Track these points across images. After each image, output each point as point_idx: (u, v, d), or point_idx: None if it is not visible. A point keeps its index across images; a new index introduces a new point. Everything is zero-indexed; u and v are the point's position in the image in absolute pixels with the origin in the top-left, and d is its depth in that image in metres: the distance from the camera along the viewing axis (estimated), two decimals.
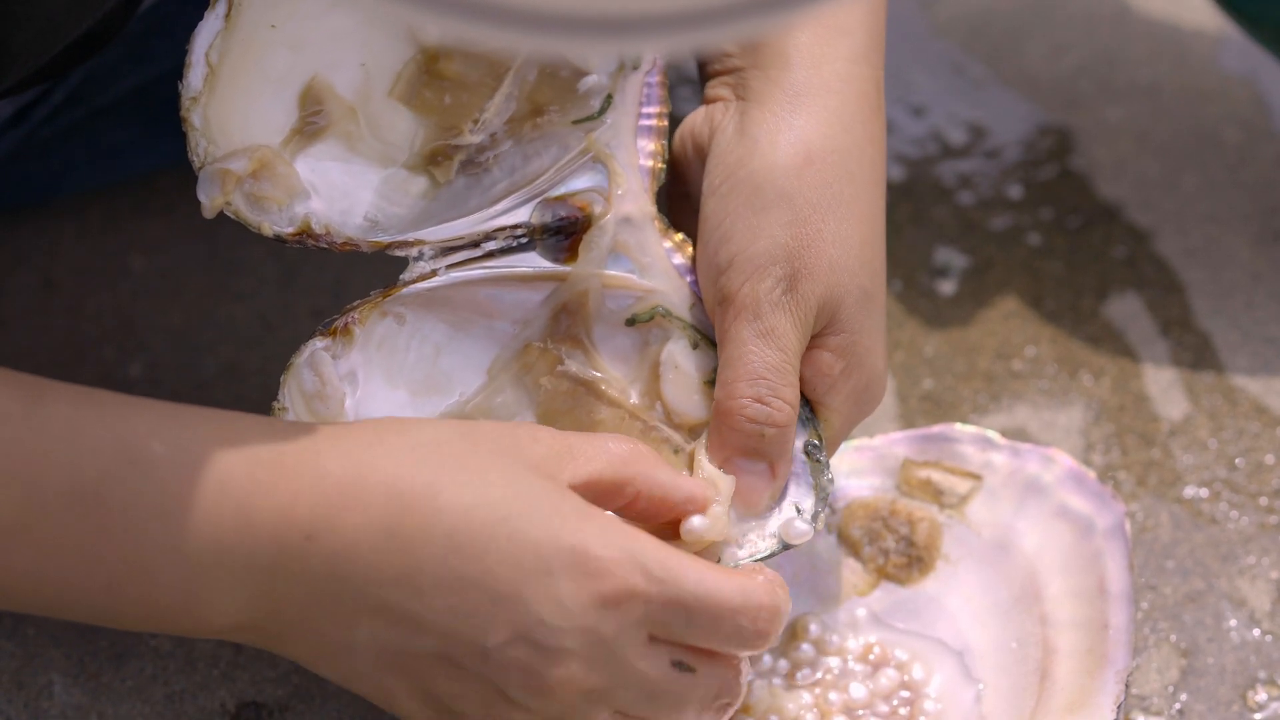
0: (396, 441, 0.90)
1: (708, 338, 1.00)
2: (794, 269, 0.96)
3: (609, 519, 0.90)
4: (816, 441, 0.99)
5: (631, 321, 1.00)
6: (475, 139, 1.00)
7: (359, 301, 0.99)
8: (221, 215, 0.97)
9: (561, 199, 1.00)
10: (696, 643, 0.91)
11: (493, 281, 1.00)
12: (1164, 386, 1.19)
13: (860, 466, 1.08)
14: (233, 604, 0.88)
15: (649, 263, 1.00)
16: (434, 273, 0.99)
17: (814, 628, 1.04)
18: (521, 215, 1.00)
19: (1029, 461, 1.07)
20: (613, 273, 1.00)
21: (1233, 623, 1.08)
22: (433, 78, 1.00)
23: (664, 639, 0.90)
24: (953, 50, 1.38)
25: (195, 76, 0.95)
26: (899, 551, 1.06)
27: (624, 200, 1.00)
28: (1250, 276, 1.24)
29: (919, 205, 1.28)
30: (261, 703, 1.04)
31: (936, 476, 1.08)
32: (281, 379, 0.97)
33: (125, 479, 0.86)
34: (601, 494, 0.93)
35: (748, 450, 0.97)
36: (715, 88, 1.01)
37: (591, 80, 1.00)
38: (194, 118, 0.95)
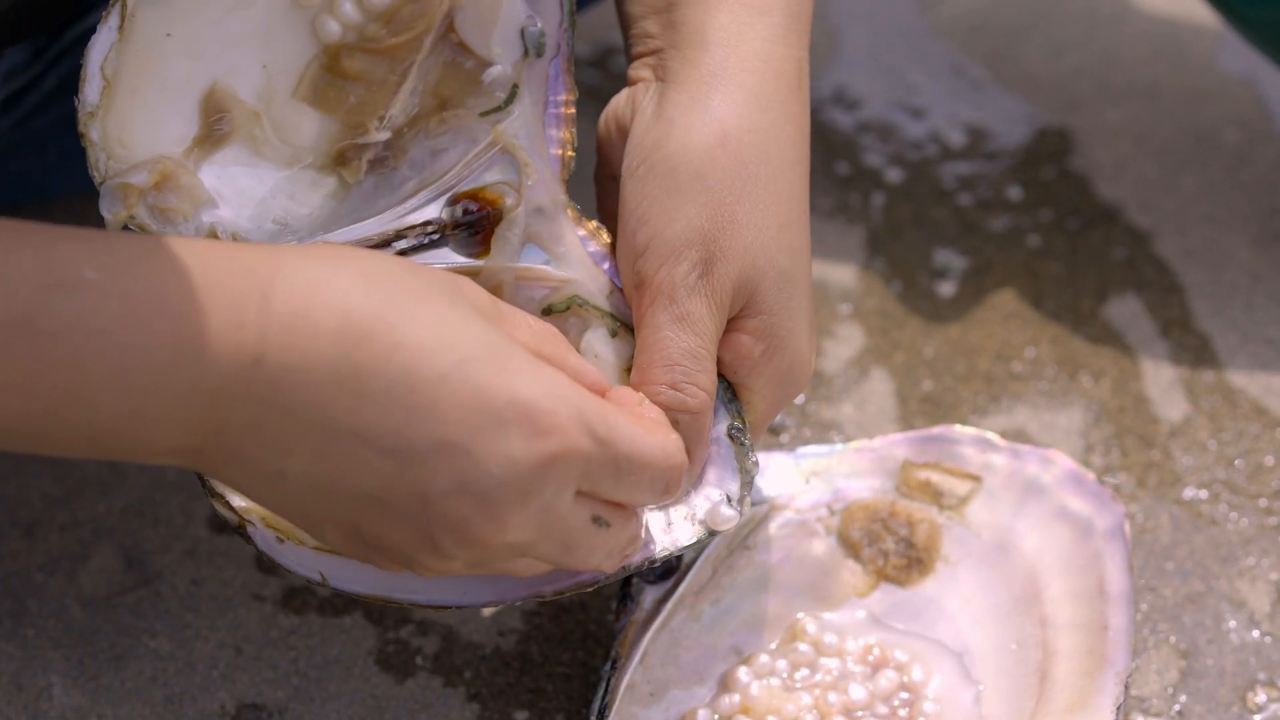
0: (349, 266, 0.88)
1: (626, 325, 1.00)
2: (709, 252, 0.96)
3: (556, 373, 0.89)
4: (739, 425, 0.98)
5: (548, 311, 1.00)
6: (382, 136, 0.99)
7: None
8: None
9: (471, 193, 1.00)
10: (616, 498, 0.91)
11: None
12: (1164, 388, 1.19)
13: (860, 468, 1.08)
14: (175, 427, 0.85)
15: (563, 252, 1.00)
16: None
17: (813, 629, 1.04)
18: (432, 212, 1.00)
19: (1028, 463, 1.07)
20: (526, 265, 1.00)
21: (1232, 624, 1.08)
22: (336, 76, 0.99)
23: (588, 494, 0.91)
24: (952, 52, 1.39)
25: (91, 91, 0.94)
26: (898, 553, 1.06)
27: (535, 191, 1.00)
28: (1250, 277, 1.24)
29: (919, 207, 1.28)
30: (261, 704, 1.04)
31: (936, 478, 1.08)
32: None
33: (56, 307, 0.83)
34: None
35: None
36: (638, 69, 1.01)
37: (495, 71, 1.00)
38: (92, 133, 0.94)
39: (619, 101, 1.01)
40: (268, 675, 1.05)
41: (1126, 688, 1.00)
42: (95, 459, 0.88)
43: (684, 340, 0.96)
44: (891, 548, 1.06)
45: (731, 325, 0.98)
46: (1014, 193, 1.29)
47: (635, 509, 0.93)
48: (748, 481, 0.97)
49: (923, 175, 1.30)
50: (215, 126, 0.97)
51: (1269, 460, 1.15)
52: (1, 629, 1.06)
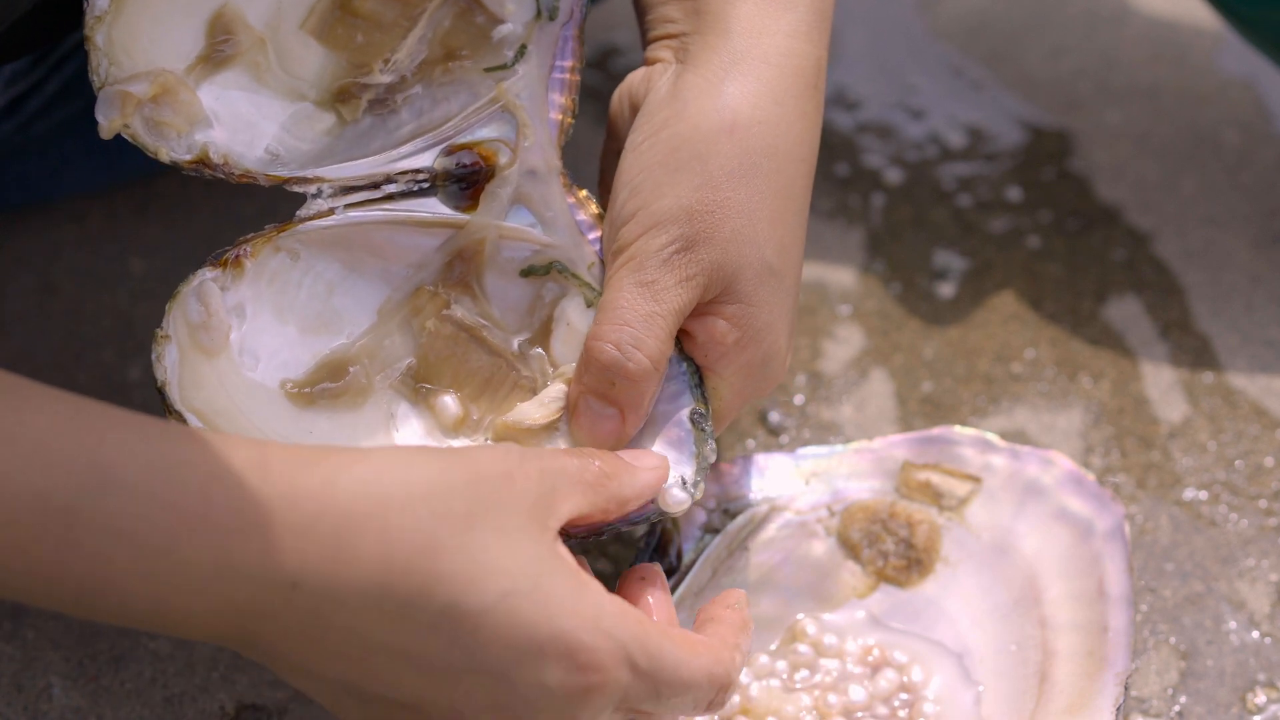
0: (394, 489, 0.87)
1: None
2: (693, 230, 0.96)
3: (602, 598, 0.89)
4: (702, 410, 0.98)
5: (527, 273, 1.00)
6: (385, 79, 0.99)
7: (252, 235, 0.97)
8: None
9: (467, 146, 1.00)
10: (656, 714, 0.91)
11: (391, 225, 0.99)
12: (1163, 389, 1.19)
13: (860, 469, 1.08)
14: (208, 629, 0.86)
15: (551, 217, 1.00)
16: (331, 211, 0.98)
17: (813, 630, 1.04)
18: (425, 160, 1.00)
19: (1028, 464, 1.07)
20: (512, 224, 1.00)
21: (1232, 625, 1.08)
22: (346, 14, 0.99)
23: (624, 710, 0.90)
24: (952, 53, 1.39)
25: (100, 1, 0.94)
26: (898, 554, 1.06)
27: (530, 152, 1.00)
28: (1250, 279, 1.24)
29: (918, 208, 1.28)
30: (260, 705, 1.04)
31: (936, 479, 1.08)
32: (167, 306, 0.95)
33: (97, 503, 0.83)
34: (578, 520, 0.92)
35: (599, 393, 0.97)
36: (657, 50, 1.01)
37: (506, 29, 1.00)
38: (97, 37, 0.94)
39: (634, 79, 1.01)
40: (267, 676, 1.05)
41: (1126, 689, 1.00)
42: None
43: (640, 304, 0.96)
44: (891, 549, 1.06)
45: (707, 309, 0.98)
46: (1014, 194, 1.29)
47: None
48: (703, 467, 0.97)
49: (922, 176, 1.30)
50: (220, 48, 0.97)
51: (1269, 461, 1.15)
52: (1, 630, 1.06)
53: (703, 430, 0.97)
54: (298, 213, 0.98)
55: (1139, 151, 1.32)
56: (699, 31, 0.99)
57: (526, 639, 0.86)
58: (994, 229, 1.27)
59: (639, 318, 0.96)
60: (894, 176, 1.30)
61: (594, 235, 1.00)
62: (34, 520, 0.82)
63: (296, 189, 0.98)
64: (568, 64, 1.01)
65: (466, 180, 1.00)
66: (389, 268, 1.00)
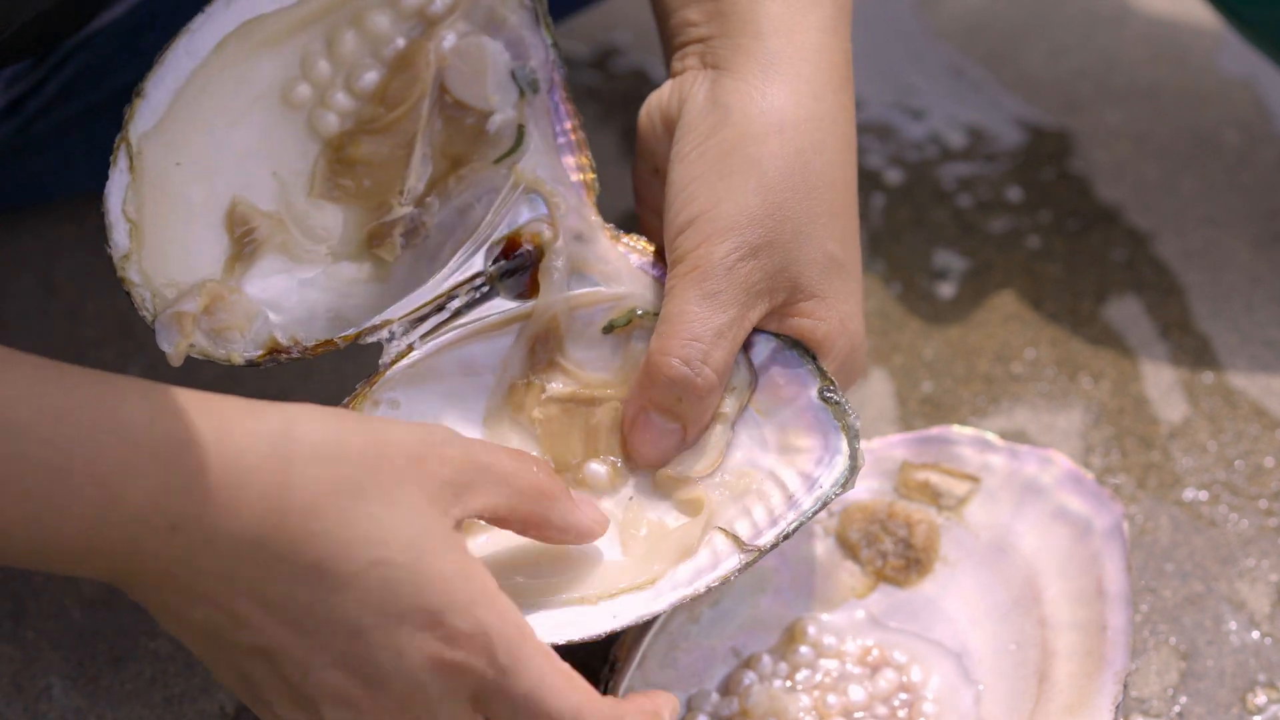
0: (290, 447, 0.87)
1: None
2: (756, 236, 0.95)
3: (482, 586, 0.88)
4: (830, 384, 0.97)
5: (609, 329, 1.00)
6: (406, 209, 1.00)
7: (347, 399, 0.98)
8: None
9: (509, 238, 1.01)
10: None
11: (469, 338, 1.00)
12: (1163, 389, 1.19)
13: None
14: (87, 568, 0.86)
15: (611, 271, 1.00)
16: (410, 348, 0.99)
17: (812, 630, 1.04)
18: (476, 266, 1.00)
19: (1027, 463, 1.07)
20: (579, 291, 1.00)
21: (1232, 625, 1.08)
22: (345, 165, 1.00)
23: (483, 712, 0.89)
24: (951, 53, 1.39)
25: (119, 235, 0.95)
26: (897, 554, 1.06)
27: (568, 219, 1.00)
28: (1250, 279, 1.24)
29: (918, 208, 1.28)
30: None
31: (934, 479, 1.08)
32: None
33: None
34: (496, 520, 0.92)
35: (663, 408, 0.96)
36: (682, 59, 1.00)
37: (498, 118, 1.01)
38: (131, 274, 0.95)
39: (662, 94, 1.00)
40: None
41: (1125, 687, 1.00)
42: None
43: (709, 316, 0.95)
44: (890, 549, 1.06)
45: (784, 310, 0.97)
46: (1013, 194, 1.29)
47: None
48: (854, 437, 0.96)
49: (922, 177, 1.30)
50: (245, 242, 0.98)
51: (1269, 461, 1.15)
52: (1, 630, 1.06)
53: (839, 404, 0.97)
54: (380, 361, 0.99)
55: (1139, 152, 1.32)
56: (726, 34, 0.99)
57: (390, 604, 0.86)
58: (994, 229, 1.27)
59: (708, 331, 0.95)
60: (894, 177, 1.30)
61: (656, 272, 1.00)
62: None
63: (370, 339, 0.99)
64: (567, 126, 1.01)
65: (521, 269, 1.01)
66: (480, 380, 1.00)
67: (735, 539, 0.95)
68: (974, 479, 1.07)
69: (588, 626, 0.94)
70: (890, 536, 1.06)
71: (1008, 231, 1.27)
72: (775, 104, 0.97)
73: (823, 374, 0.97)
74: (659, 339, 0.96)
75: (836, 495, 0.96)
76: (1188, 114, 1.34)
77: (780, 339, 0.98)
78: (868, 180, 1.30)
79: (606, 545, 0.96)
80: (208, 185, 0.97)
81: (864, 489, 1.08)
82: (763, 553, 0.95)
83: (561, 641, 0.93)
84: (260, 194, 0.98)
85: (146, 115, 0.95)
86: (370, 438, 0.88)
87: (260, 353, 0.97)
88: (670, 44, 1.02)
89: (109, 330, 1.20)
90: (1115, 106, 1.34)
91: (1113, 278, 1.24)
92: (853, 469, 0.96)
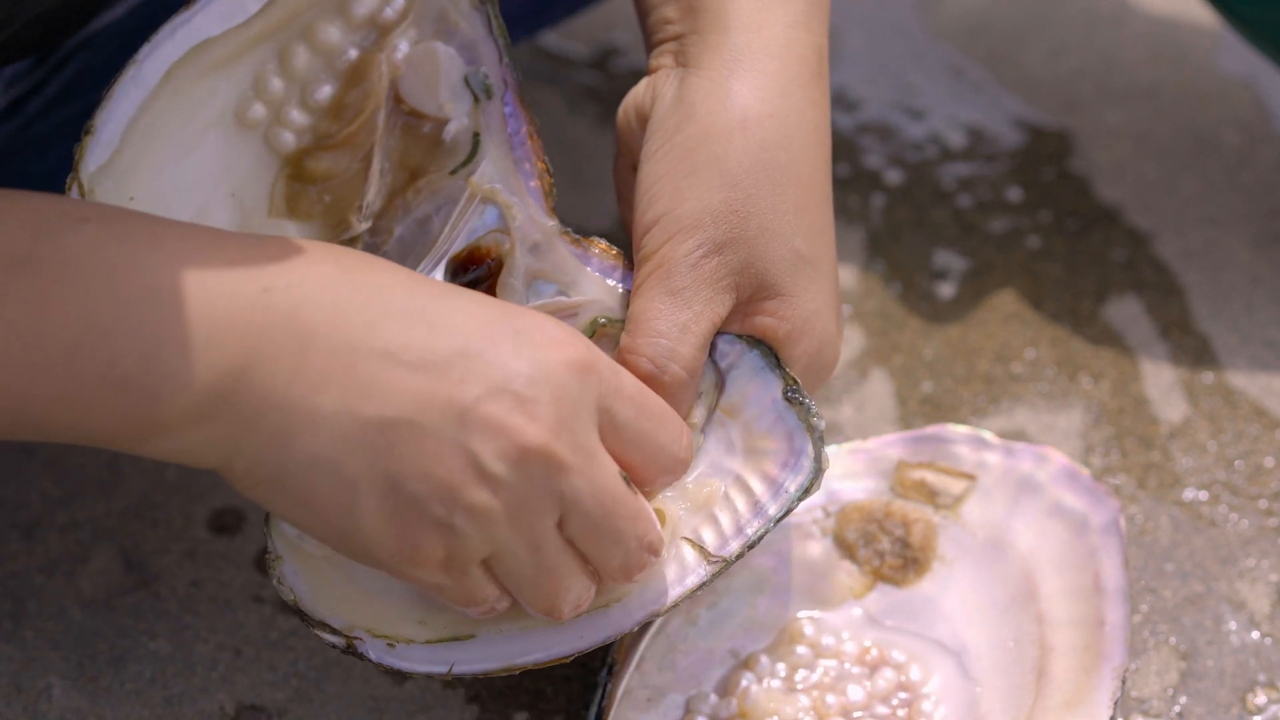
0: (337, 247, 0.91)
1: None
2: (719, 233, 0.96)
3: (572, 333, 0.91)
4: (793, 384, 0.97)
5: None
6: (365, 226, 1.00)
7: None
8: None
9: (467, 251, 1.00)
10: (592, 550, 0.90)
11: None
12: (1163, 389, 1.19)
13: (854, 469, 1.08)
14: (198, 364, 0.84)
15: (570, 279, 1.00)
16: None
17: (810, 630, 1.04)
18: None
19: (1023, 460, 1.07)
20: (538, 303, 0.99)
21: (1232, 625, 1.08)
22: (304, 183, 1.00)
23: (570, 536, 0.90)
24: (952, 53, 1.39)
25: None
26: (894, 553, 1.06)
27: (524, 229, 1.00)
28: (1250, 279, 1.24)
29: (918, 208, 1.28)
30: (260, 706, 1.04)
31: (931, 477, 1.08)
32: (266, 529, 0.95)
33: (56, 244, 0.83)
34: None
35: None
36: (658, 56, 1.01)
37: (453, 126, 1.00)
38: None
39: (638, 91, 1.01)
40: (267, 677, 1.05)
41: (1124, 682, 1.00)
42: (123, 433, 0.86)
43: (672, 313, 0.96)
44: (887, 548, 1.06)
45: (749, 309, 0.97)
46: (1013, 194, 1.29)
47: (605, 578, 0.92)
48: (819, 439, 0.96)
49: (922, 177, 1.30)
50: None
51: (1269, 461, 1.15)
52: (1, 630, 1.06)
53: (802, 404, 0.97)
54: None
55: (1139, 152, 1.32)
56: (697, 31, 0.99)
57: (500, 320, 0.88)
58: (994, 229, 1.27)
59: (672, 328, 0.96)
60: (894, 177, 1.30)
61: (618, 274, 1.00)
62: (2, 275, 0.83)
63: None
64: (523, 130, 1.01)
65: (481, 282, 1.00)
66: None
67: (702, 550, 0.95)
68: (970, 477, 1.07)
69: (555, 648, 0.94)
70: (887, 536, 1.06)
71: (1008, 231, 1.27)
72: (739, 100, 0.97)
73: (785, 375, 0.97)
74: (626, 337, 0.96)
75: (801, 500, 0.96)
76: (1188, 114, 1.34)
77: (744, 340, 0.98)
78: (868, 180, 1.30)
79: None
80: (164, 216, 0.96)
81: (860, 489, 1.08)
82: (728, 563, 0.95)
83: (529, 664, 0.94)
84: (219, 218, 0.98)
85: (97, 152, 0.95)
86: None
87: None
88: (648, 41, 1.02)
89: None
90: (1115, 106, 1.34)
91: (1113, 278, 1.24)
92: (817, 471, 0.96)
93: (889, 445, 1.08)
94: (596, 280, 1.00)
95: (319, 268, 0.87)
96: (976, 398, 1.18)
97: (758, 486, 0.96)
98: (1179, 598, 1.09)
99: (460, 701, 1.04)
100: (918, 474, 1.08)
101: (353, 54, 0.99)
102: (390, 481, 0.87)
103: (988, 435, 1.08)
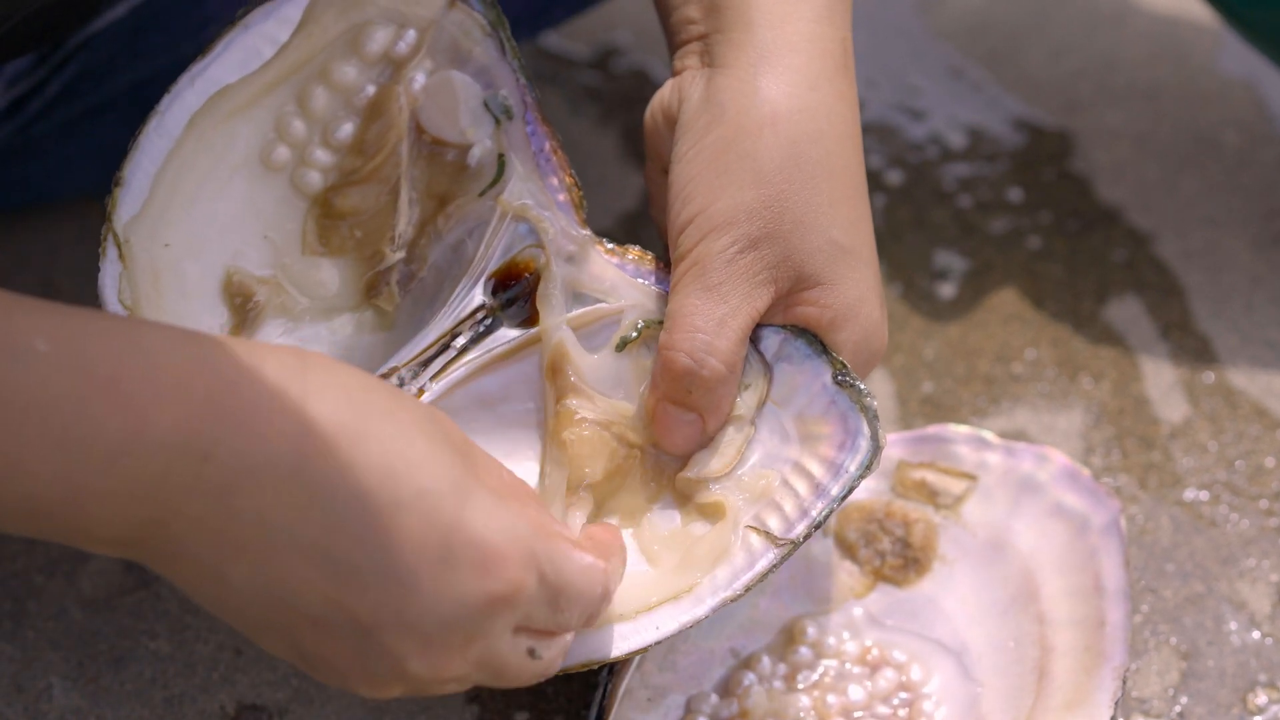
0: (322, 375, 0.84)
1: None
2: (754, 229, 0.96)
3: (517, 510, 0.87)
4: (842, 367, 0.98)
5: (621, 346, 1.00)
6: (398, 256, 1.01)
7: None
8: None
9: (504, 267, 1.01)
10: (550, 628, 0.90)
11: (479, 371, 1.00)
12: (1164, 389, 1.19)
13: None
14: (116, 513, 0.82)
15: (609, 286, 1.01)
16: (421, 391, 0.99)
17: (811, 630, 1.04)
18: (476, 300, 1.01)
19: (1023, 460, 1.07)
20: (579, 311, 1.00)
21: (1233, 625, 1.08)
22: (334, 219, 1.01)
23: (524, 627, 0.89)
24: (952, 54, 1.39)
25: None
26: (895, 553, 1.06)
27: (558, 241, 1.01)
28: (1250, 279, 1.24)
29: (918, 209, 1.28)
30: (261, 705, 1.04)
31: (931, 477, 1.08)
32: None
33: (3, 374, 0.79)
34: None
35: (676, 400, 0.97)
36: (683, 58, 1.01)
37: (477, 151, 1.01)
38: None
39: (664, 94, 1.01)
40: (267, 676, 1.05)
41: (1124, 683, 1.00)
42: (37, 538, 0.86)
43: (709, 308, 0.96)
44: (888, 548, 1.06)
45: (791, 300, 0.98)
46: (1014, 194, 1.29)
47: (565, 632, 0.92)
48: (873, 418, 0.97)
49: (923, 177, 1.30)
50: (246, 309, 0.99)
51: (1269, 462, 1.15)
52: (1, 630, 1.06)
53: (854, 386, 0.97)
54: None
55: (1139, 152, 1.32)
56: (721, 30, 0.99)
57: (440, 540, 0.84)
58: (994, 230, 1.27)
59: (709, 323, 0.96)
60: (894, 178, 1.30)
61: (653, 279, 1.01)
62: None
63: None
64: (546, 146, 1.01)
65: (520, 298, 1.01)
66: (495, 411, 1.01)
67: (768, 535, 0.96)
68: (971, 477, 1.07)
69: (631, 642, 0.95)
70: (888, 536, 1.06)
71: (1008, 232, 1.27)
72: (768, 97, 0.97)
73: (833, 359, 0.98)
74: (665, 334, 0.97)
75: (863, 478, 0.96)
76: (1188, 114, 1.34)
77: (788, 329, 0.98)
78: (868, 181, 1.30)
79: (632, 562, 0.97)
80: (200, 261, 0.98)
81: (861, 488, 1.08)
82: (796, 545, 0.95)
83: (609, 659, 0.94)
84: (253, 259, 0.99)
85: (128, 203, 0.96)
86: (385, 383, 0.87)
87: None
88: (671, 42, 1.02)
89: None
90: (1115, 107, 1.34)
91: (1113, 278, 1.24)
92: (875, 449, 0.96)
93: (890, 445, 1.08)
94: (635, 285, 1.00)
95: (274, 443, 0.82)
96: (977, 398, 1.19)
97: (817, 470, 0.97)
98: (1179, 598, 1.09)
99: (461, 702, 1.04)
100: (918, 474, 1.08)
101: (370, 90, 1.00)
102: (295, 644, 0.86)
103: (988, 435, 1.08)
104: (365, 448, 0.83)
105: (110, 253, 0.97)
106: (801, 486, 0.97)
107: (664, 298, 1.00)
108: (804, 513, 0.96)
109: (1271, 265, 1.25)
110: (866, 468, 0.96)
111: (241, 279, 0.99)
